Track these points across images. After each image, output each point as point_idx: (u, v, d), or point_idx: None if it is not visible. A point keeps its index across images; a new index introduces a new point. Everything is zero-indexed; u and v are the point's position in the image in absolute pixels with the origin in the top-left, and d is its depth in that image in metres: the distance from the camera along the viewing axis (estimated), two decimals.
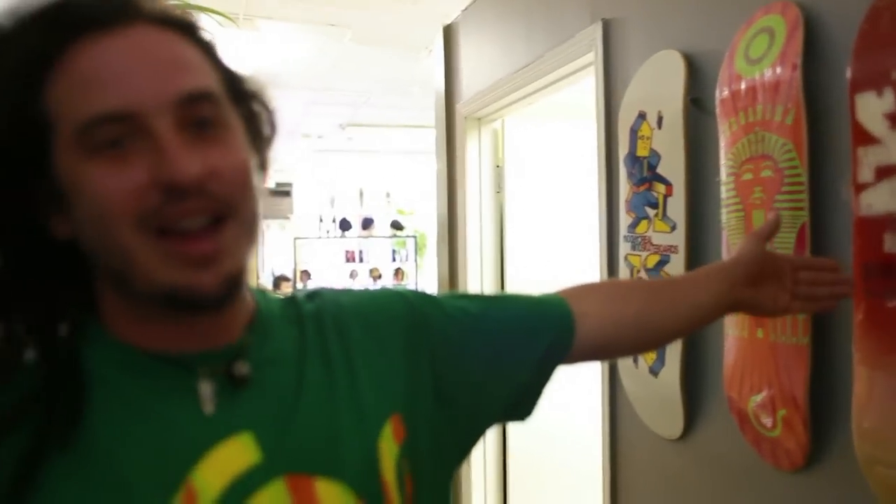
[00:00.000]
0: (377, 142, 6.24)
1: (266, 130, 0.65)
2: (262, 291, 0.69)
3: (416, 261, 8.00)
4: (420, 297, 0.76)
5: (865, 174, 0.97)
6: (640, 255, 1.52)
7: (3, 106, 0.55)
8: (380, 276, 7.82)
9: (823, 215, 1.10)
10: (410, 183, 7.61)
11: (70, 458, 0.54)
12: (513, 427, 2.63)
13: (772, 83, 1.15)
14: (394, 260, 7.96)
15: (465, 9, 2.67)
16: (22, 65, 0.54)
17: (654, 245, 1.48)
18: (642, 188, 1.50)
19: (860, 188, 0.98)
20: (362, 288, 0.77)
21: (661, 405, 1.51)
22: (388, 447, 0.64)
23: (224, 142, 0.57)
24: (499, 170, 2.65)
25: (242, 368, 0.60)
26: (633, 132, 1.54)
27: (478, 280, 2.63)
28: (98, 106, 0.53)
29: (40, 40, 0.54)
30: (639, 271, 1.53)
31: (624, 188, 1.58)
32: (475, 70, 2.62)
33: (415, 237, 8.07)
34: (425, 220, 7.15)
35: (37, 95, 0.54)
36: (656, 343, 0.94)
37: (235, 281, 0.57)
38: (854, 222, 0.99)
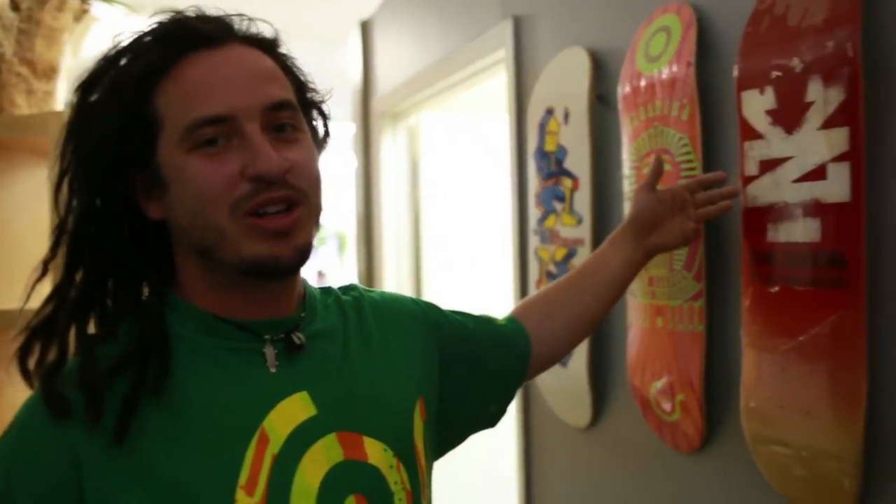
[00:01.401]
0: None
1: (323, 134, 0.78)
2: (305, 280, 0.79)
3: (338, 259, 7.91)
4: (429, 305, 0.89)
5: (751, 167, 1.02)
6: (548, 249, 1.56)
7: (123, 105, 0.66)
8: None
9: None
10: (331, 180, 7.52)
11: (162, 402, 0.65)
12: None
13: (669, 80, 1.20)
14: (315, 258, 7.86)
15: (381, 4, 2.66)
16: (142, 73, 0.66)
17: (561, 238, 1.51)
18: (550, 182, 1.54)
19: (747, 181, 1.03)
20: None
21: (570, 395, 1.55)
22: (418, 421, 0.76)
23: (298, 142, 0.69)
24: (415, 165, 2.66)
25: (298, 337, 0.71)
26: (542, 127, 1.57)
27: (395, 277, 2.62)
28: (203, 110, 0.65)
29: (159, 53, 0.67)
30: (547, 265, 1.56)
31: (533, 182, 1.61)
32: (391, 65, 2.62)
33: (336, 236, 7.98)
34: (346, 218, 7.09)
35: (150, 98, 0.66)
36: (590, 331, 1.08)
37: (305, 253, 0.68)
38: (742, 213, 1.05)
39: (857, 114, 0.87)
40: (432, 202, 2.63)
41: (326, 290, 0.81)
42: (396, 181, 2.64)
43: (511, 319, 0.98)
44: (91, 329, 0.69)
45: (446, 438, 0.86)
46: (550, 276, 1.55)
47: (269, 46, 0.73)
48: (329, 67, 3.62)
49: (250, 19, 0.72)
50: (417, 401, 0.78)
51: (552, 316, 1.00)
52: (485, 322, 0.94)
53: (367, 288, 0.86)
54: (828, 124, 0.90)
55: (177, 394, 0.66)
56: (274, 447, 0.66)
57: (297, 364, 0.71)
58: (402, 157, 2.65)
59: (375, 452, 0.70)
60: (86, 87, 0.69)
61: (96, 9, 1.80)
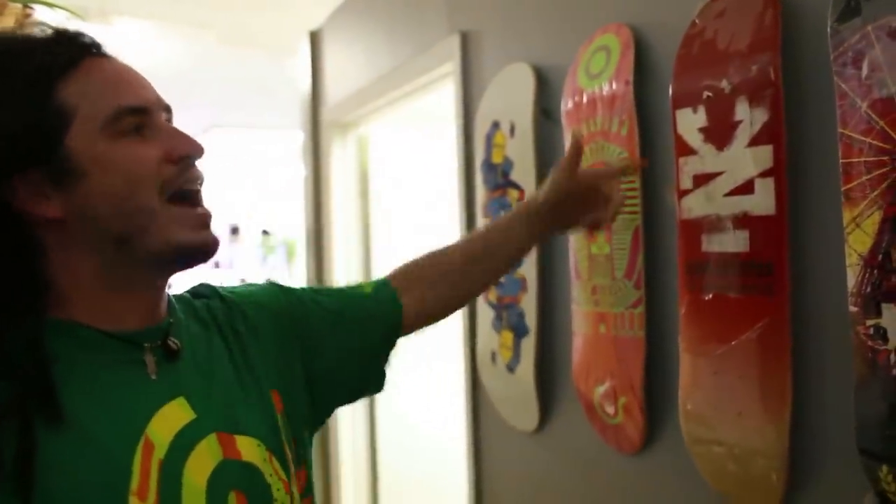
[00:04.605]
0: (243, 146, 6.08)
1: None
2: None
3: (287, 268, 7.84)
4: (286, 291, 0.92)
5: (686, 181, 1.07)
6: None
7: (26, 99, 0.66)
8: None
9: (654, 218, 1.21)
10: (279, 188, 7.46)
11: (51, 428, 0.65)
12: (383, 433, 2.66)
13: (609, 97, 1.25)
14: (264, 267, 7.76)
15: (331, 15, 2.68)
16: (47, 67, 0.68)
17: None
18: (497, 193, 1.58)
19: (682, 194, 1.08)
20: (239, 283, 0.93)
21: (517, 400, 1.59)
22: (276, 415, 0.79)
23: None
24: (365, 175, 2.68)
25: (174, 342, 0.74)
26: (489, 140, 1.61)
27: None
28: (126, 100, 0.69)
29: (63, 51, 0.69)
30: None
31: (481, 193, 1.65)
32: (341, 76, 2.63)
33: (285, 244, 7.90)
34: (295, 226, 7.04)
35: (53, 91, 0.67)
36: (477, 294, 1.12)
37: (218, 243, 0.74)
38: (678, 224, 1.10)
39: (780, 133, 0.94)
40: (382, 212, 2.65)
41: (179, 297, 0.83)
42: (346, 191, 2.65)
43: (382, 286, 0.97)
44: None
45: (325, 410, 0.90)
46: (498, 284, 1.59)
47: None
48: (278, 76, 3.61)
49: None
50: (272, 394, 0.80)
51: (434, 284, 0.99)
52: (350, 298, 0.95)
53: (223, 286, 0.88)
54: (754, 142, 0.96)
55: (65, 416, 0.66)
56: (159, 453, 0.68)
57: (174, 369, 0.73)
58: (352, 167, 2.66)
59: (249, 449, 0.73)
60: None
61: (39, 13, 1.77)
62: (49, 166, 0.67)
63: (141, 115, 0.70)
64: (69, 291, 0.70)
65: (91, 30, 0.74)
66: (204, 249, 0.72)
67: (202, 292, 0.86)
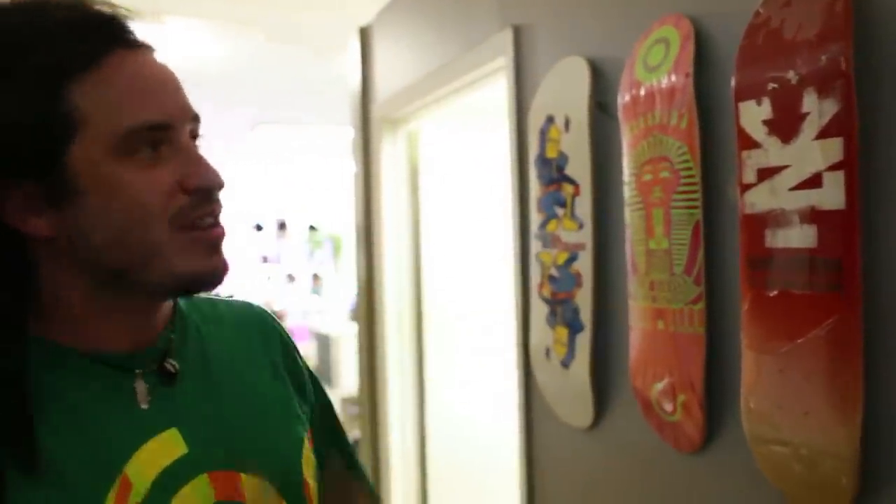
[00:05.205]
0: (290, 142, 6.17)
1: None
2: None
3: (333, 263, 7.93)
4: (287, 337, 0.81)
5: (749, 175, 1.05)
6: (550, 253, 1.59)
7: (31, 99, 0.57)
8: (294, 280, 7.71)
9: (715, 213, 1.18)
10: (326, 184, 7.55)
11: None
12: (433, 428, 2.66)
13: (668, 89, 1.23)
14: (310, 262, 7.87)
15: (380, 11, 2.69)
16: (59, 65, 0.58)
17: (563, 243, 1.54)
18: (551, 188, 1.57)
19: (745, 188, 1.06)
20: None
21: (572, 396, 1.58)
22: (308, 453, 0.71)
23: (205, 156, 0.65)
24: (415, 171, 2.69)
25: (172, 365, 0.65)
26: (543, 134, 1.60)
27: (395, 283, 2.65)
28: (143, 116, 0.59)
29: (81, 45, 0.59)
30: (549, 269, 1.59)
31: (535, 188, 1.64)
32: (390, 72, 2.65)
33: (331, 239, 7.99)
34: (342, 222, 7.11)
35: (63, 94, 0.58)
36: None
37: (228, 267, 0.65)
38: (740, 219, 1.08)
39: (851, 124, 0.91)
40: (432, 208, 2.66)
41: (195, 301, 0.73)
42: (396, 187, 2.66)
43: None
44: None
45: None
46: (553, 279, 1.59)
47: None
48: (326, 73, 3.65)
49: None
50: (307, 431, 0.73)
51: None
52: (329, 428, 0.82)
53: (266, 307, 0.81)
54: (823, 134, 0.93)
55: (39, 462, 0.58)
56: (137, 495, 0.59)
57: (172, 396, 0.65)
58: (402, 163, 2.67)
59: (254, 491, 0.64)
60: None
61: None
62: (45, 180, 0.59)
63: (161, 131, 0.60)
64: (53, 308, 0.62)
65: (144, 29, 0.65)
66: (211, 278, 0.63)
67: (246, 302, 0.79)
